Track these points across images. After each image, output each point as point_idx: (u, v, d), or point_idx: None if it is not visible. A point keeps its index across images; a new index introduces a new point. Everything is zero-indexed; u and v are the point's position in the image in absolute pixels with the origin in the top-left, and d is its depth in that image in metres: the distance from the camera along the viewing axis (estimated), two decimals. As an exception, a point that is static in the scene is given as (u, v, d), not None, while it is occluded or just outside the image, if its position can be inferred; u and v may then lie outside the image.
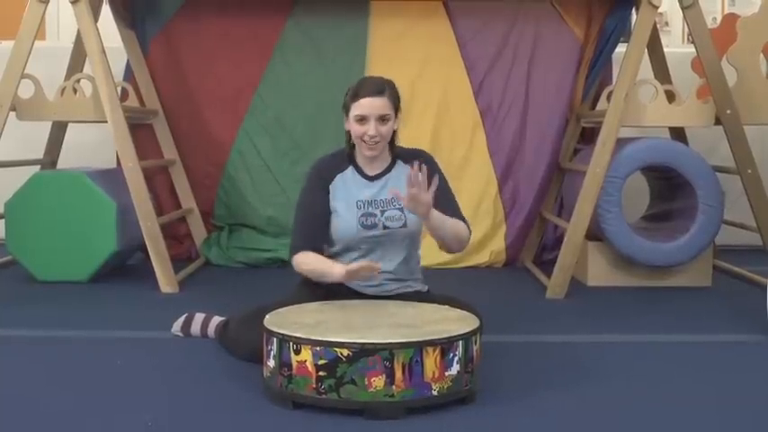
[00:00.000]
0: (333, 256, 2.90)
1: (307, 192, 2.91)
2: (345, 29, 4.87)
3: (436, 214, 2.73)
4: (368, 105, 2.78)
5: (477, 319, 2.55)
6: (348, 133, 2.88)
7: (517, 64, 4.89)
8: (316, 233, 2.86)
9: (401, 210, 2.84)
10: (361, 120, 2.79)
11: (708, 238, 4.16)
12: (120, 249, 4.21)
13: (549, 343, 3.19)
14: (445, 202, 2.85)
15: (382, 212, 2.84)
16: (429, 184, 2.62)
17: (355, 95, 2.81)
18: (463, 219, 2.90)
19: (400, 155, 2.93)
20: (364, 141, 2.80)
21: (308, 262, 2.80)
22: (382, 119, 2.80)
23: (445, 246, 2.88)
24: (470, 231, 2.91)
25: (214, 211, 4.96)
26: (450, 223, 2.81)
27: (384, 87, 2.82)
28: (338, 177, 2.89)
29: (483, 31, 4.88)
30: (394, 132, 2.88)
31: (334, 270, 2.72)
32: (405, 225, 2.85)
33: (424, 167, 2.62)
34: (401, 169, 2.90)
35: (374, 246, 2.85)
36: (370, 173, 2.90)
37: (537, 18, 4.87)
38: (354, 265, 2.69)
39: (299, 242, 2.84)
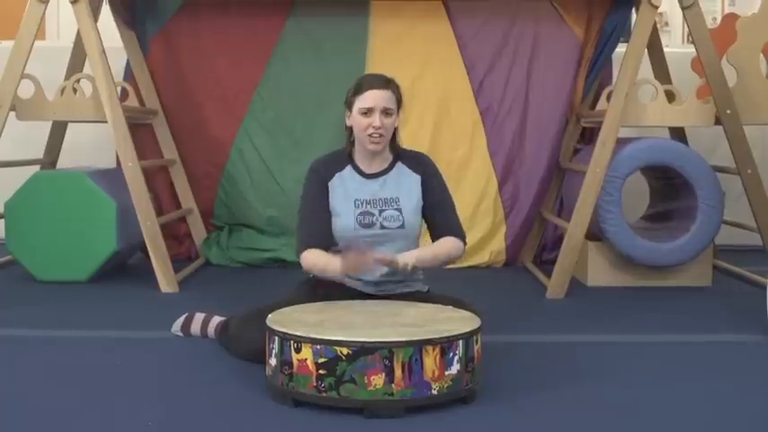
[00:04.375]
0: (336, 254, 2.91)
1: (307, 192, 2.92)
2: (345, 29, 4.87)
3: (419, 257, 2.78)
4: (373, 97, 2.80)
5: (478, 319, 2.56)
6: (349, 130, 2.89)
7: (517, 64, 4.88)
8: (321, 230, 2.86)
9: (399, 210, 2.84)
10: (367, 112, 2.80)
11: (708, 238, 4.16)
12: (120, 249, 4.21)
13: (549, 343, 3.19)
14: (441, 210, 2.90)
15: (380, 212, 2.84)
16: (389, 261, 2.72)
17: (360, 89, 2.83)
18: (458, 228, 2.91)
19: (401, 156, 2.94)
20: (369, 135, 2.81)
21: (314, 258, 2.81)
22: (387, 112, 2.81)
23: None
24: (465, 242, 2.92)
25: (214, 210, 4.96)
26: (432, 253, 2.84)
27: (388, 81, 2.86)
28: (336, 176, 2.89)
29: (483, 30, 4.87)
30: (395, 130, 2.89)
31: (334, 264, 2.73)
32: (402, 226, 2.85)
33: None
34: (401, 170, 2.90)
35: (373, 245, 2.84)
36: (369, 171, 2.90)
37: (537, 18, 4.87)
38: (350, 257, 2.69)
39: (306, 239, 2.85)
